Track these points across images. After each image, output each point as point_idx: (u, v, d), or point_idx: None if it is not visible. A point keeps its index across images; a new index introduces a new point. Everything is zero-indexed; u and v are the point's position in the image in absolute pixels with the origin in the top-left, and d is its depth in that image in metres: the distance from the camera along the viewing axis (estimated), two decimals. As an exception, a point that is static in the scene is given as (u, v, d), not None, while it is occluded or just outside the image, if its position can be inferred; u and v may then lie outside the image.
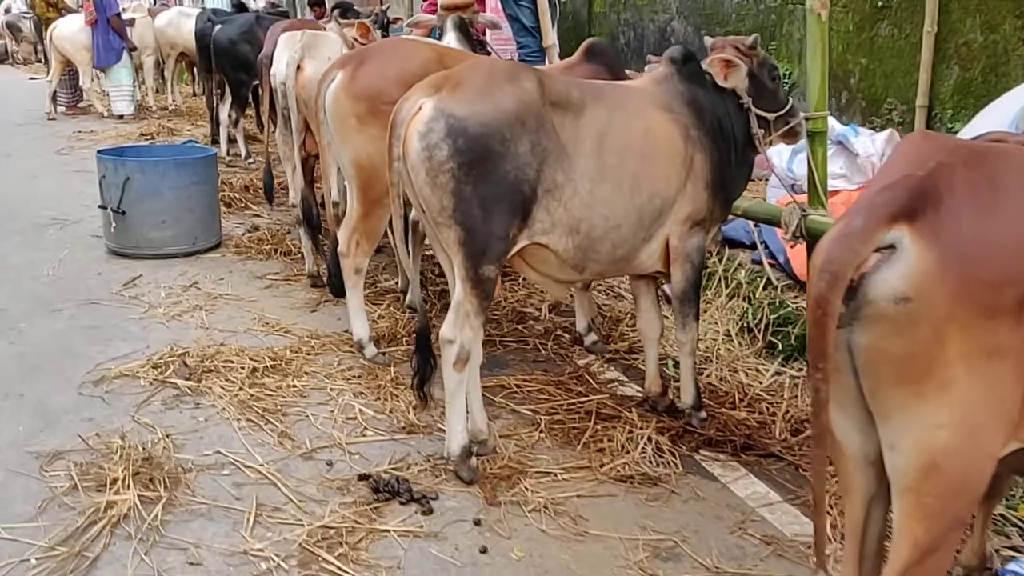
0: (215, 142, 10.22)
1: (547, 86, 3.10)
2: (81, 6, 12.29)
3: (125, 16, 12.56)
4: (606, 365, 4.33)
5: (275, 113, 5.57)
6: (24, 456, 3.34)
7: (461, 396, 3.18)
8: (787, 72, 7.45)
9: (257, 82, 8.77)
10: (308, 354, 4.32)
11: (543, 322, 4.83)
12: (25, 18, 22.94)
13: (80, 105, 13.44)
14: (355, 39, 5.74)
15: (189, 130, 11.61)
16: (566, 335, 4.65)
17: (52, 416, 3.68)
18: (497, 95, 3.01)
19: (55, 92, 12.88)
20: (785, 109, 3.61)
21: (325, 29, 6.20)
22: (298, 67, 4.94)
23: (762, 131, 3.52)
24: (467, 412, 3.30)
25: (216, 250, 6.12)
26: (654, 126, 3.26)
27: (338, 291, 4.31)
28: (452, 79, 3.06)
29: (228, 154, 9.54)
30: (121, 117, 12.43)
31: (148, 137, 11.00)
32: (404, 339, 4.50)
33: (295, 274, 5.60)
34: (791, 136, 3.69)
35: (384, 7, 8.01)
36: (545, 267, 3.29)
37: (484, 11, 5.58)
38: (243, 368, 4.08)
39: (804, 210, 3.67)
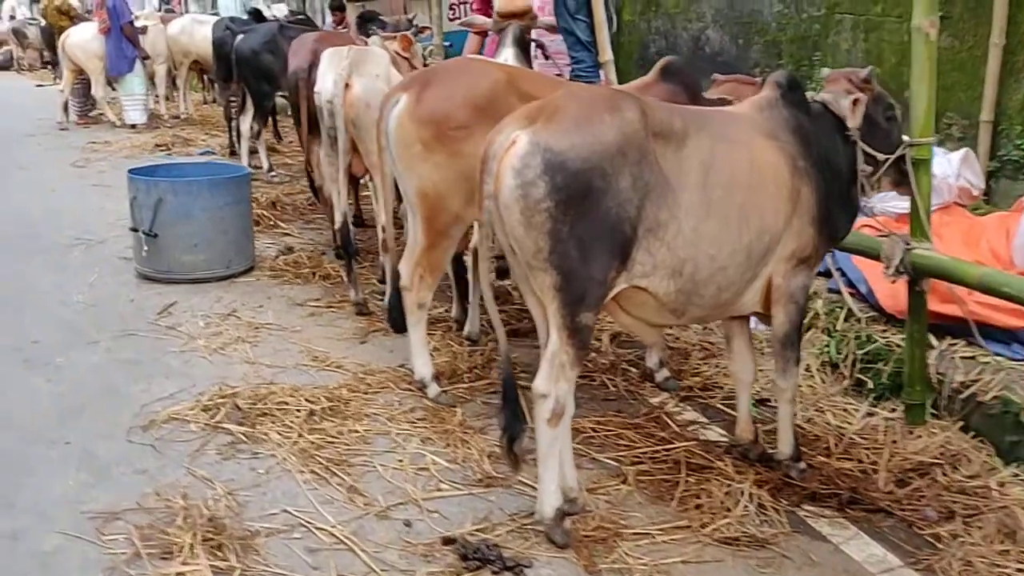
0: (233, 153, 10.00)
1: (649, 115, 2.85)
2: (92, 14, 12.02)
3: (137, 24, 12.30)
4: (681, 404, 4.07)
5: (316, 130, 5.34)
6: (78, 517, 3.08)
7: (555, 454, 2.92)
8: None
9: (280, 93, 8.61)
10: (366, 393, 4.07)
11: (606, 354, 4.56)
12: (31, 24, 22.71)
13: (91, 114, 13.16)
14: (397, 53, 5.50)
15: (204, 140, 11.37)
16: (633, 369, 4.39)
17: (102, 468, 3.42)
18: (597, 126, 2.76)
19: (67, 101, 12.63)
20: (897, 153, 3.33)
21: (352, 39, 5.97)
22: (345, 85, 4.69)
23: (869, 168, 3.26)
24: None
25: (250, 274, 5.86)
26: (760, 156, 3.01)
27: (399, 326, 4.05)
28: (548, 109, 2.80)
29: (249, 167, 9.27)
30: (134, 126, 12.20)
31: (163, 148, 10.80)
32: (465, 375, 4.25)
33: (337, 300, 5.34)
34: (903, 186, 3.42)
35: (410, 15, 7.78)
36: (641, 311, 3.04)
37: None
38: (299, 411, 3.83)
39: (908, 243, 3.43)
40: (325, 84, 4.73)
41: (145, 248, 5.59)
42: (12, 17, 25.83)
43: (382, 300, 5.28)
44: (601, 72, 5.21)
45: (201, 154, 10.47)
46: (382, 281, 5.52)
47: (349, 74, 4.71)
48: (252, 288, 5.61)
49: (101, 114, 12.96)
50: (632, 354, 4.52)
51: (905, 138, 3.38)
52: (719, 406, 4.04)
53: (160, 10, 20.11)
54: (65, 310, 5.19)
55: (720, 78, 4.39)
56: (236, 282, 5.71)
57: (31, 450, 3.56)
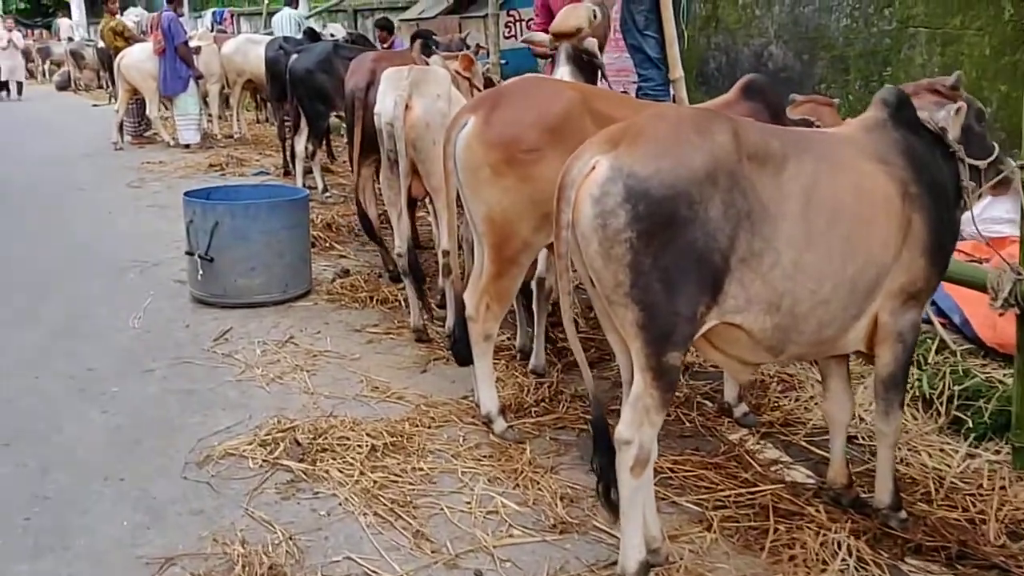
0: (287, 174, 9.93)
1: (743, 137, 2.63)
2: (148, 35, 12.08)
3: (191, 44, 12.33)
4: (762, 441, 3.82)
5: (367, 152, 5.21)
6: (132, 561, 2.93)
7: (639, 504, 2.70)
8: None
9: (335, 113, 8.52)
10: (429, 427, 3.88)
11: (680, 387, 4.33)
12: (88, 45, 23.09)
13: (146, 134, 13.23)
14: (458, 72, 5.34)
15: (257, 160, 11.34)
16: (708, 403, 4.15)
17: (158, 508, 3.27)
18: (685, 150, 2.55)
19: (122, 121, 12.68)
20: (994, 156, 3.10)
21: (412, 58, 5.82)
22: (406, 106, 4.53)
23: (973, 183, 3.02)
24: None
25: (307, 298, 5.73)
26: (867, 181, 2.77)
27: (464, 359, 3.86)
28: (631, 132, 2.60)
29: (304, 187, 9.19)
30: (187, 146, 12.19)
31: (217, 168, 10.78)
32: (532, 409, 4.04)
33: (396, 326, 5.17)
34: (1002, 186, 3.18)
35: (463, 35, 7.63)
36: (734, 349, 2.82)
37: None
38: (360, 446, 3.65)
39: (1020, 273, 3.16)
40: (385, 105, 4.57)
41: (201, 272, 5.48)
42: (70, 39, 26.35)
43: (442, 326, 5.11)
44: (670, 90, 5.00)
45: (255, 174, 10.44)
46: (440, 306, 5.36)
47: (410, 95, 4.55)
48: (309, 313, 5.46)
49: (155, 134, 13.04)
50: (707, 387, 4.29)
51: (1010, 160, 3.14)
52: (802, 444, 3.78)
53: (213, 31, 20.31)
54: (121, 336, 5.09)
55: (799, 99, 4.15)
56: (293, 307, 5.58)
57: (86, 488, 3.42)
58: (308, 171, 9.33)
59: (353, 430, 3.79)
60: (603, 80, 4.92)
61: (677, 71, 4.85)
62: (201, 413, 4.07)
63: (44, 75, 26.64)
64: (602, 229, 2.51)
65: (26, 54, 24.01)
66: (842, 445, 3.24)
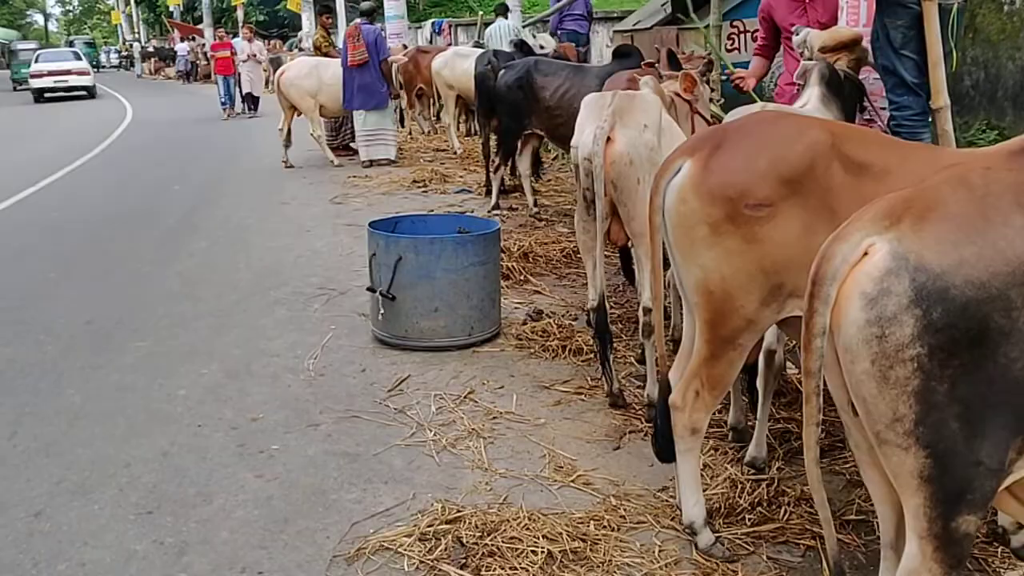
0: (489, 192, 9.54)
1: (1084, 217, 1.81)
2: (345, 46, 11.86)
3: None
4: (1055, 587, 2.91)
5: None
6: None
7: None
8: None
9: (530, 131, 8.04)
10: (618, 529, 3.22)
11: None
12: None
13: (351, 145, 13.04)
14: (677, 94, 4.65)
15: (461, 177, 11.00)
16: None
17: (294, 617, 2.79)
18: (1001, 233, 1.77)
19: (288, 138, 12.25)
20: None
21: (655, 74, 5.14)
22: (608, 138, 3.90)
23: None
24: None
25: (494, 342, 5.19)
26: None
27: (665, 454, 3.17)
28: (919, 203, 1.85)
29: (503, 209, 8.76)
30: (371, 163, 11.95)
31: (420, 184, 10.55)
32: (746, 514, 3.29)
33: (588, 385, 4.53)
34: None
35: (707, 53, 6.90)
36: (1051, 506, 1.99)
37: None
38: (535, 552, 3.04)
39: None
40: (583, 137, 3.96)
41: (382, 311, 5.06)
42: (300, 48, 27.19)
43: (641, 387, 4.44)
44: (929, 121, 4.10)
45: (457, 192, 10.13)
46: (641, 361, 4.69)
47: (612, 125, 3.91)
48: (494, 362, 4.92)
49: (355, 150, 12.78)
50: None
51: None
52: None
53: (432, 42, 20.48)
54: (293, 379, 4.74)
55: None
56: (478, 352, 5.06)
57: (220, 578, 3.00)
58: (508, 191, 8.89)
59: (528, 528, 3.18)
60: (865, 106, 4.10)
61: (941, 99, 3.94)
62: (360, 487, 3.58)
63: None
64: (878, 342, 1.78)
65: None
66: None
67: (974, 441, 1.79)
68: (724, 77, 7.92)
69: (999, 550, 3.09)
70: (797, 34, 4.41)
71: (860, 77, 4.57)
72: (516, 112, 7.69)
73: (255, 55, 20.40)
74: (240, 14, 33.91)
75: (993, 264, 1.74)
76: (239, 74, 20.23)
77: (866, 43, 4.39)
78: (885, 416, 1.82)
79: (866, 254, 1.82)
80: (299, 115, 12.26)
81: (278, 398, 4.49)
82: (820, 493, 2.05)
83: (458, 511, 3.31)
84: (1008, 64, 7.75)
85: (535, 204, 8.62)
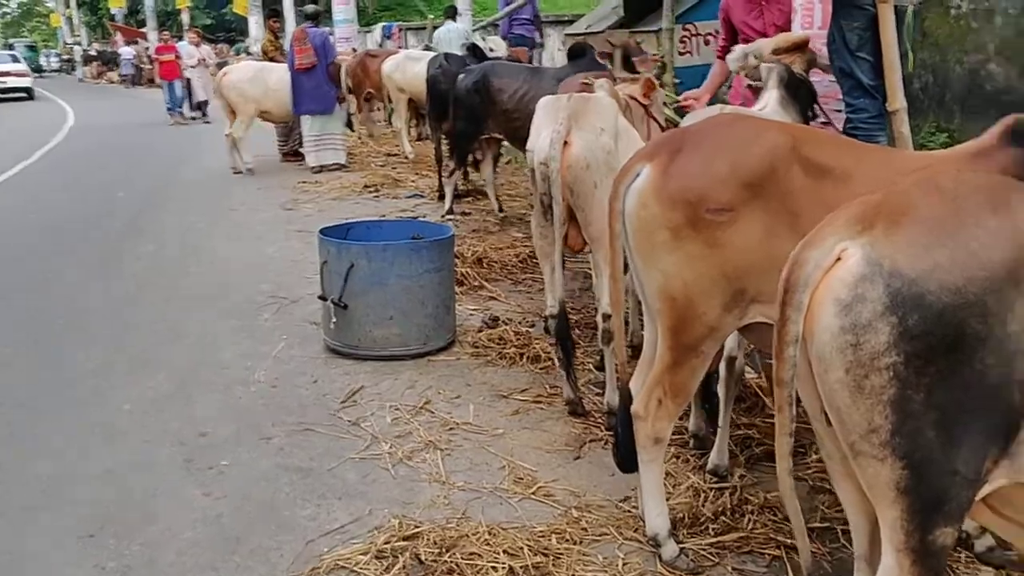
0: (442, 197, 9.45)
1: (1055, 217, 1.78)
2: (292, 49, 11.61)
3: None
4: (1020, 591, 2.90)
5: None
6: None
7: None
8: None
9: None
10: (580, 542, 3.14)
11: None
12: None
13: (300, 150, 12.78)
14: (632, 98, 4.60)
15: (413, 181, 10.86)
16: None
17: (245, 644, 2.68)
18: (974, 235, 1.74)
19: (234, 145, 11.88)
20: None
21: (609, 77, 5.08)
22: (564, 142, 3.83)
23: None
24: None
25: (449, 350, 5.09)
26: None
27: (626, 464, 3.10)
28: (891, 207, 1.80)
29: (458, 214, 8.67)
30: (342, 167, 11.78)
31: (372, 188, 10.40)
32: (709, 524, 3.24)
33: (547, 393, 4.46)
34: None
35: (640, 40, 6.89)
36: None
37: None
38: (495, 568, 2.95)
39: None
40: (539, 141, 3.88)
41: (334, 319, 4.94)
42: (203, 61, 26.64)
43: (599, 394, 4.38)
44: (884, 123, 4.09)
45: (409, 196, 10.01)
46: (599, 368, 4.63)
47: (568, 128, 3.84)
48: (450, 370, 4.82)
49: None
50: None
51: None
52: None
53: (382, 45, 20.24)
54: (244, 391, 4.60)
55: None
56: (433, 361, 4.95)
57: (168, 604, 2.87)
58: (460, 195, 8.80)
59: (488, 543, 3.09)
60: (816, 112, 4.09)
61: (898, 101, 3.93)
62: (314, 503, 3.47)
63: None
64: (852, 350, 1.73)
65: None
66: None
67: (951, 450, 1.74)
68: (678, 81, 7.92)
69: (963, 555, 3.07)
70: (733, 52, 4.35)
71: (815, 80, 4.57)
72: (473, 116, 7.59)
73: (204, 60, 20.01)
74: (185, 17, 33.30)
75: (968, 268, 1.70)
76: (188, 80, 19.82)
77: (821, 45, 4.38)
78: (860, 426, 1.77)
79: (839, 259, 1.77)
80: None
81: (228, 411, 4.35)
82: (794, 504, 2.00)
83: (416, 527, 3.22)
84: (956, 67, 7.85)
85: (500, 209, 8.52)
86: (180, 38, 23.49)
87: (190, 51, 19.78)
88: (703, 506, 3.33)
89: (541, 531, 3.19)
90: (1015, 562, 3.00)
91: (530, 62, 11.70)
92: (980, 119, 7.58)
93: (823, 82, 4.61)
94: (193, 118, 20.00)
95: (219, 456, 3.88)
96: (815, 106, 3.98)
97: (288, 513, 3.40)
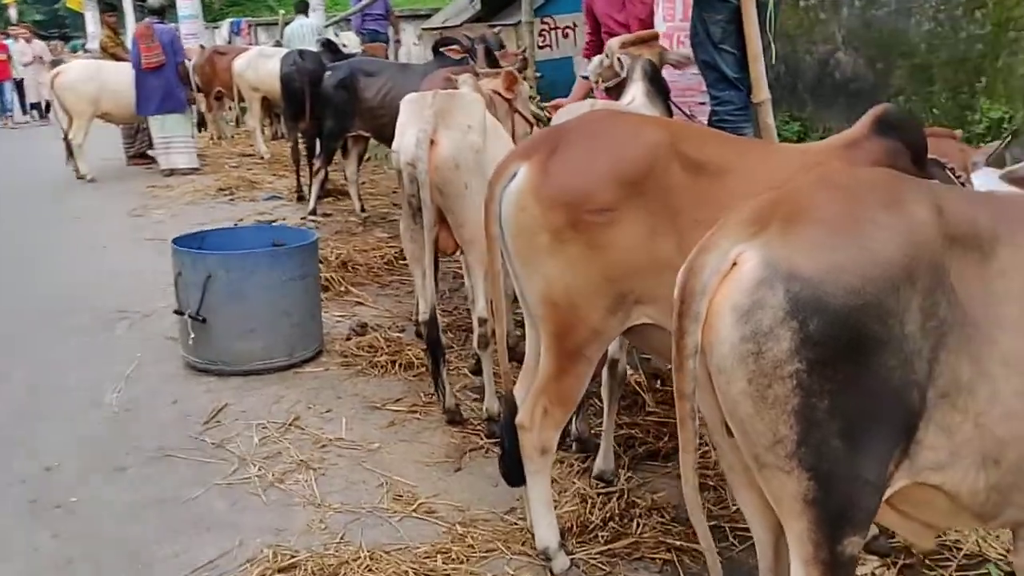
0: (301, 198, 9.13)
1: (947, 212, 1.75)
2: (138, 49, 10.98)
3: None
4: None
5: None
6: None
7: None
8: (1007, 116, 5.97)
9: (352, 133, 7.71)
10: (467, 560, 3.00)
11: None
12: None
13: (149, 153, 12.11)
14: (496, 92, 4.48)
15: (270, 183, 10.45)
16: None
17: None
18: (871, 234, 1.68)
19: (69, 146, 11.16)
20: None
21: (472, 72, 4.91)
22: (431, 142, 3.67)
23: None
24: None
25: (317, 361, 4.86)
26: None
27: (513, 477, 2.97)
28: (786, 207, 1.73)
29: (319, 215, 8.38)
30: (194, 170, 11.25)
31: (227, 191, 9.96)
32: (599, 531, 3.15)
33: (423, 402, 4.30)
34: None
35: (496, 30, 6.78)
36: (925, 513, 1.94)
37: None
38: (380, 596, 2.78)
39: None
40: (405, 141, 3.71)
41: (192, 335, 4.63)
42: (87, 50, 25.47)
43: (478, 400, 4.25)
44: (750, 115, 4.11)
45: (266, 199, 9.61)
46: (475, 372, 4.50)
47: (435, 127, 3.69)
48: (319, 383, 4.59)
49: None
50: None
51: None
52: (957, 581, 2.89)
53: (230, 42, 19.50)
54: (94, 416, 4.25)
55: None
56: (300, 373, 4.71)
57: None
58: (321, 197, 8.52)
59: (371, 569, 2.92)
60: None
61: (762, 92, 3.95)
62: (177, 538, 3.20)
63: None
64: (754, 359, 1.64)
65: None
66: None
67: (857, 458, 1.69)
68: (539, 75, 7.87)
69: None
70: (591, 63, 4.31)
71: (680, 73, 4.57)
72: (339, 113, 7.36)
73: (40, 57, 18.85)
74: (13, 13, 31.30)
75: (866, 268, 1.64)
76: (21, 79, 18.62)
77: (684, 38, 4.37)
78: (765, 438, 1.69)
79: (735, 265, 1.69)
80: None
81: (75, 441, 3.99)
82: (703, 526, 1.90)
83: (292, 556, 3.01)
84: (806, 57, 8.08)
85: (362, 209, 8.27)
86: (7, 35, 22.05)
87: (23, 49, 18.59)
88: (591, 513, 3.24)
89: (425, 552, 3.04)
90: (898, 549, 3.04)
91: (386, 58, 11.47)
92: (830, 107, 7.86)
93: (686, 74, 4.61)
94: (27, 121, 18.81)
95: (67, 493, 3.54)
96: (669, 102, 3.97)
97: (149, 552, 3.12)
